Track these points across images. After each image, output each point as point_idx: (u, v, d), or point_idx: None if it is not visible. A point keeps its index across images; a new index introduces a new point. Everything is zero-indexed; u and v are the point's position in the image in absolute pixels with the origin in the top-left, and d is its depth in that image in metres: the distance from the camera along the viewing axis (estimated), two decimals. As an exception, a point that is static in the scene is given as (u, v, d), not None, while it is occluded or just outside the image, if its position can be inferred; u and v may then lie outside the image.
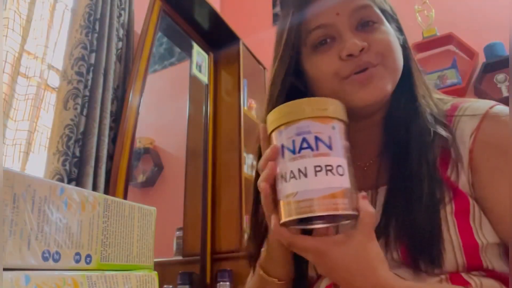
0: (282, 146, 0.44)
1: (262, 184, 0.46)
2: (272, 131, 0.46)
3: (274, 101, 0.59)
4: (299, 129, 0.43)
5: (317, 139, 0.42)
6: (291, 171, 0.42)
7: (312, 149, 0.42)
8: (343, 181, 0.41)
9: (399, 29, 0.61)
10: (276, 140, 0.45)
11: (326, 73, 0.56)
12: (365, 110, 0.56)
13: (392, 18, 0.60)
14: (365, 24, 0.56)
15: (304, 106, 0.44)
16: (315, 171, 0.41)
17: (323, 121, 0.43)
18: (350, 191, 0.42)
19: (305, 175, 0.41)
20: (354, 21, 0.56)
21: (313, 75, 0.58)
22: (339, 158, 0.42)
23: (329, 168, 0.41)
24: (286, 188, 0.43)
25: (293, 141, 0.43)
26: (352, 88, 0.54)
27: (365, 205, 0.42)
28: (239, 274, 1.79)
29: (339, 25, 0.55)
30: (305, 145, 0.42)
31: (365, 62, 0.53)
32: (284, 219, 0.43)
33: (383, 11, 0.58)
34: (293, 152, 0.43)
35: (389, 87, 0.55)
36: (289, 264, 0.57)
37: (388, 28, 0.57)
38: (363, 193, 0.43)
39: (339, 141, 0.43)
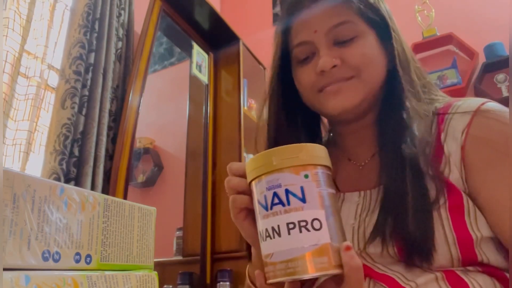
0: (258, 202, 0.42)
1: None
2: (251, 181, 0.44)
3: (271, 101, 0.66)
4: (269, 183, 0.40)
5: (287, 192, 0.39)
6: (266, 230, 0.40)
7: (283, 205, 0.39)
8: (321, 237, 0.38)
9: (388, 35, 0.60)
10: (254, 192, 0.43)
11: (304, 85, 0.62)
12: (340, 117, 0.61)
13: (379, 26, 0.60)
14: (342, 40, 0.59)
15: (273, 157, 0.41)
16: (288, 229, 0.38)
17: (294, 171, 0.40)
18: (330, 246, 0.38)
19: (279, 234, 0.39)
20: (331, 37, 0.59)
21: (297, 85, 0.64)
22: (314, 211, 0.39)
23: (303, 224, 0.38)
24: (264, 248, 0.41)
25: (265, 197, 0.41)
26: (324, 99, 0.60)
27: (349, 260, 0.38)
28: (239, 274, 1.79)
29: (317, 42, 0.60)
30: (276, 200, 0.40)
31: (337, 78, 0.58)
32: (267, 280, 0.41)
33: (369, 19, 0.59)
34: (266, 208, 0.40)
35: (360, 97, 0.58)
36: None
37: (367, 40, 0.59)
38: (346, 244, 0.39)
39: (315, 190, 0.39)
